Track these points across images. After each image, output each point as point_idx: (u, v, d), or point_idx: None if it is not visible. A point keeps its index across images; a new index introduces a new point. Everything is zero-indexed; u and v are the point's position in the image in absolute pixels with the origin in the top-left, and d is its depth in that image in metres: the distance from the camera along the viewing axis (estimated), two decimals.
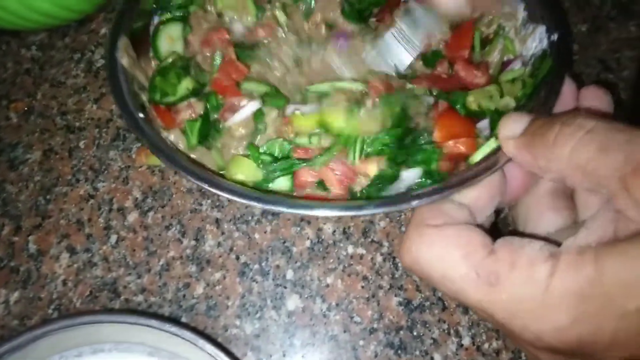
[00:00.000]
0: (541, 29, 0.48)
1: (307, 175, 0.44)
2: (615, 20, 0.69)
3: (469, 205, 0.39)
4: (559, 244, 0.33)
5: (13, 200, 0.58)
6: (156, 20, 0.53)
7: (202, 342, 0.44)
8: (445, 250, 0.35)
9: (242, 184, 0.44)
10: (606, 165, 0.30)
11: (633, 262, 0.28)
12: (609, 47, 0.67)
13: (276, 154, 0.45)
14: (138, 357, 0.48)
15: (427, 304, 0.53)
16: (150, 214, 0.57)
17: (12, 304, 0.53)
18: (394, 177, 0.43)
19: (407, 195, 0.40)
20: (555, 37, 0.47)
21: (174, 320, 0.51)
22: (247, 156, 0.46)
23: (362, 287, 0.54)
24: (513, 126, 0.38)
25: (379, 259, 0.55)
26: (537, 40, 0.49)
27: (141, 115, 0.45)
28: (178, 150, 0.46)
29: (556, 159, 0.33)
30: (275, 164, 0.44)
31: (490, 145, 0.42)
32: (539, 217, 0.41)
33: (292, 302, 0.53)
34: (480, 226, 0.38)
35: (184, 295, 0.53)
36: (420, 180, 0.43)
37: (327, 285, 0.54)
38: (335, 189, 0.44)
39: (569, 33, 0.47)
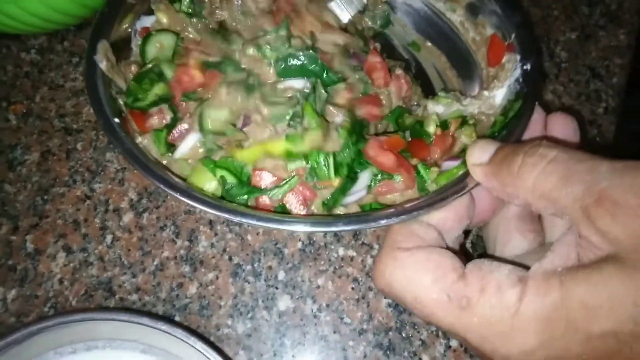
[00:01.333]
0: (516, 57, 0.50)
1: (267, 200, 0.45)
2: (604, 29, 0.70)
3: (437, 226, 0.41)
4: (527, 267, 0.34)
5: (11, 201, 0.59)
6: (138, 26, 0.54)
7: (193, 340, 0.45)
8: (417, 274, 0.36)
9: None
10: (568, 195, 0.32)
11: (595, 288, 0.29)
12: (598, 54, 0.68)
13: (233, 172, 0.46)
14: (131, 354, 0.49)
15: None
16: (145, 214, 0.58)
17: (10, 302, 0.54)
18: (355, 180, 0.45)
19: (377, 214, 0.41)
20: (528, 66, 0.49)
21: (166, 319, 0.52)
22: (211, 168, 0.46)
23: (352, 288, 0.55)
24: (480, 154, 0.39)
25: (369, 261, 0.56)
26: (511, 67, 0.51)
27: (117, 120, 0.46)
28: (149, 157, 0.46)
29: (521, 188, 0.35)
30: (233, 189, 0.45)
31: (460, 169, 0.44)
32: (507, 240, 0.43)
33: (284, 302, 0.54)
34: (449, 248, 0.39)
35: (178, 295, 0.54)
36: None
37: (318, 287, 0.55)
38: (298, 210, 0.45)
39: (540, 64, 0.49)
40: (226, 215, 0.40)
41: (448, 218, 0.41)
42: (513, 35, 0.51)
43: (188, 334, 0.45)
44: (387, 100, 0.52)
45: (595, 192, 0.30)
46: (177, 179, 0.44)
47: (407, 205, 0.41)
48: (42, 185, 0.59)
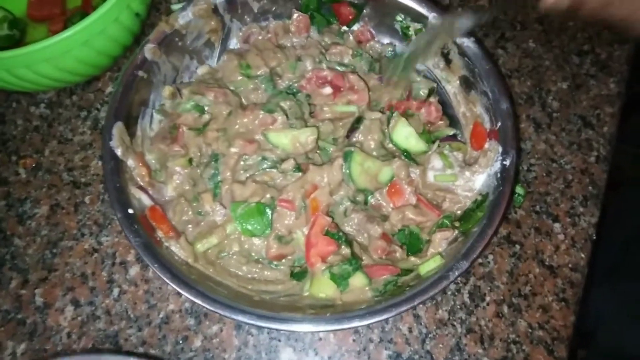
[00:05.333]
0: (498, 147, 0.53)
1: None
2: (595, 78, 0.72)
3: None
4: None
5: (21, 254, 0.60)
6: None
7: None
8: None
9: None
10: None
11: None
12: (589, 103, 0.70)
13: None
14: None
15: (417, 357, 0.55)
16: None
17: (19, 356, 0.56)
18: None
19: (361, 313, 0.47)
20: (507, 162, 0.51)
21: None
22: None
23: (354, 340, 0.56)
24: None
25: None
26: (493, 157, 0.53)
27: (130, 211, 0.51)
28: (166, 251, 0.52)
29: None
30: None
31: (436, 261, 0.49)
32: None
33: (286, 355, 0.55)
34: None
35: (182, 349, 0.55)
36: None
37: (320, 339, 0.56)
38: None
39: (518, 157, 0.53)
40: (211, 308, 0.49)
41: None
42: (499, 124, 0.53)
43: None
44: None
45: None
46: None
47: (388, 302, 0.46)
48: (51, 238, 0.61)
